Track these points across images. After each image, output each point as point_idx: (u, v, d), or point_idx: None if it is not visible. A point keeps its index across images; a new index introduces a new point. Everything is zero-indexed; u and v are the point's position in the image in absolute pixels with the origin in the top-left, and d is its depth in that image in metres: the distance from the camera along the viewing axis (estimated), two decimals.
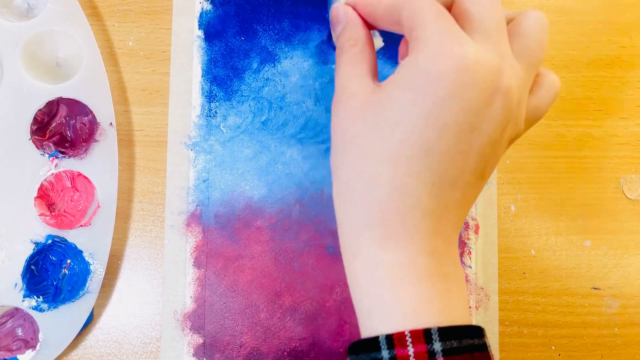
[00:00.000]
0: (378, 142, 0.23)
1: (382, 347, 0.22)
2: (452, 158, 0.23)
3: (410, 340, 0.22)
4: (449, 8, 0.25)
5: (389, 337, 0.22)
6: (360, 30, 0.27)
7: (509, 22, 0.25)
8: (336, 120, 0.25)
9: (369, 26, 0.27)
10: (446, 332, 0.22)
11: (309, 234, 0.37)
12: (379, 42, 0.38)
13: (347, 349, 0.24)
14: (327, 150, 0.38)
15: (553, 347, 0.38)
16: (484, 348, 0.23)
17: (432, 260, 0.23)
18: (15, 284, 0.35)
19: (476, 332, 0.23)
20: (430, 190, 0.23)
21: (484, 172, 0.24)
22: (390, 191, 0.23)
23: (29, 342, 0.36)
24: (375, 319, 0.23)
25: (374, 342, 0.22)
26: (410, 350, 0.22)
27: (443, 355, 0.21)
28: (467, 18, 0.24)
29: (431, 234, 0.23)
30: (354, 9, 0.27)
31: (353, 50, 0.26)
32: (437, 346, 0.22)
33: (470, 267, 0.38)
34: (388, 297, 0.23)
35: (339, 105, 0.25)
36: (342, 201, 0.25)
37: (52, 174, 0.36)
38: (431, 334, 0.22)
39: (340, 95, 0.26)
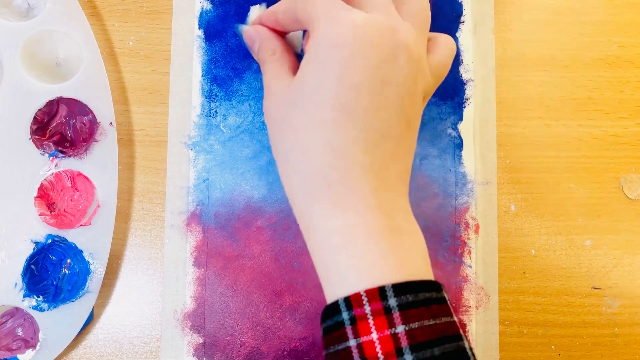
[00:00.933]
0: (303, 115, 0.25)
1: (342, 309, 0.23)
2: (373, 112, 0.24)
3: (366, 299, 0.23)
4: None
5: (347, 299, 0.23)
6: (274, 40, 0.29)
7: None
8: (266, 115, 0.27)
9: (280, 33, 0.30)
10: (401, 288, 0.23)
11: None
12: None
13: (320, 319, 0.25)
14: None
15: (553, 347, 0.38)
16: (442, 301, 0.23)
17: (381, 216, 0.24)
18: (15, 284, 0.35)
19: (433, 286, 0.24)
20: (363, 146, 0.24)
21: (409, 122, 0.25)
22: (326, 156, 0.24)
23: (29, 342, 0.36)
24: (335, 284, 0.24)
25: (335, 306, 0.24)
26: (367, 308, 0.22)
27: (399, 310, 0.22)
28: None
29: (374, 188, 0.24)
30: (261, 23, 0.30)
31: (273, 58, 0.28)
32: (393, 302, 0.22)
33: (470, 266, 0.38)
34: (343, 260, 0.24)
35: (268, 104, 0.27)
36: (287, 180, 0.26)
37: (52, 173, 0.36)
38: (385, 291, 0.22)
39: (267, 94, 0.27)
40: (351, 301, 0.23)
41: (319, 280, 0.37)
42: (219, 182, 0.38)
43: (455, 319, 0.24)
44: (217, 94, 0.38)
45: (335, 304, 0.24)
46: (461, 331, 0.24)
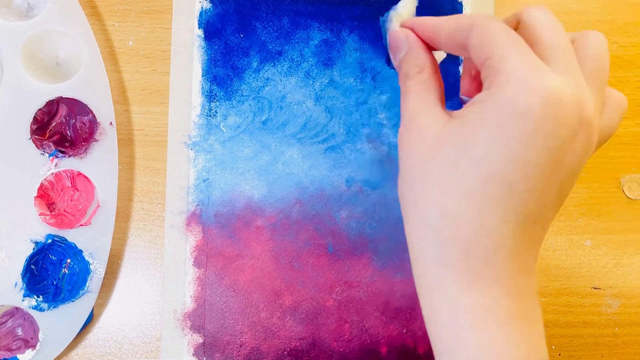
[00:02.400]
0: (459, 179, 0.22)
1: None
2: (536, 196, 0.22)
3: None
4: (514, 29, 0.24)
5: None
6: (424, 56, 0.26)
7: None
8: (407, 152, 0.24)
9: (430, 48, 0.26)
10: None
11: (309, 233, 0.37)
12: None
13: None
14: (327, 150, 0.38)
15: (553, 347, 0.38)
16: None
17: (515, 301, 0.23)
18: (15, 284, 0.35)
19: None
20: (515, 230, 0.22)
21: (561, 203, 0.23)
22: (474, 232, 0.22)
23: (29, 342, 0.36)
24: None
25: None
26: None
27: None
28: (540, 46, 0.23)
29: (515, 273, 0.23)
30: (414, 31, 0.26)
31: (419, 78, 0.25)
32: None
33: None
34: (471, 340, 0.22)
35: (409, 136, 0.24)
36: (418, 238, 0.24)
37: (52, 173, 0.36)
38: None
39: (409, 125, 0.24)
40: None
41: (318, 280, 0.38)
42: (219, 182, 0.37)
43: None
44: (217, 93, 0.38)
45: None
46: None
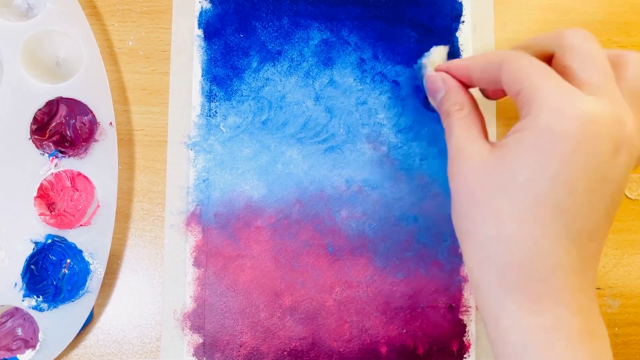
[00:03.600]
0: (508, 203, 0.23)
1: None
2: (586, 212, 0.23)
3: None
4: (548, 62, 0.25)
5: None
6: (462, 94, 0.27)
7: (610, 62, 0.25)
8: (457, 183, 0.25)
9: (466, 86, 0.28)
10: None
11: (309, 233, 0.37)
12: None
13: None
14: (327, 150, 0.38)
15: None
16: None
17: (579, 320, 0.23)
18: (15, 284, 0.35)
19: None
20: (569, 248, 0.23)
21: (613, 216, 0.24)
22: (530, 254, 0.23)
23: (29, 342, 0.36)
24: None
25: None
26: None
27: None
28: (573, 75, 0.24)
29: (576, 291, 0.23)
30: (449, 72, 0.28)
31: (461, 114, 0.27)
32: None
33: None
34: None
35: (458, 168, 0.25)
36: (477, 264, 0.25)
37: (52, 173, 0.36)
38: None
39: (457, 157, 0.26)
40: None
41: (318, 280, 0.37)
42: (219, 182, 0.37)
43: None
44: (217, 93, 0.38)
45: None
46: None
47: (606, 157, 0.22)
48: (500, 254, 0.23)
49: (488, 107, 0.39)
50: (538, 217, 0.22)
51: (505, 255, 0.23)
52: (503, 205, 0.23)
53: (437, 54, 0.30)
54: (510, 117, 0.40)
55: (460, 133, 0.26)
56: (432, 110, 0.30)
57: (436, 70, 0.29)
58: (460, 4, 0.40)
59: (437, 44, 0.39)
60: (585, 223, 0.23)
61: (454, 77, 0.28)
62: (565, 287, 0.23)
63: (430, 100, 0.29)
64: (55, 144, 0.37)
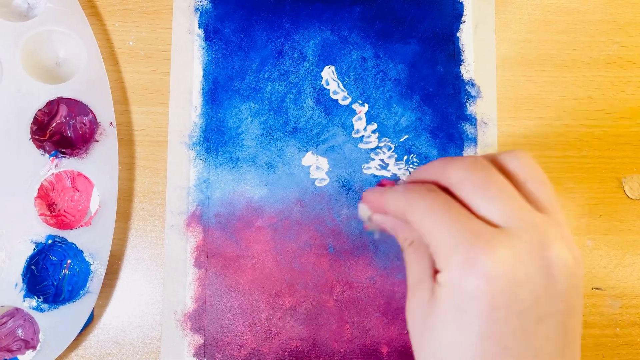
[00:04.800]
0: None
1: None
2: (529, 357, 0.21)
3: None
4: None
5: None
6: (406, 228, 0.26)
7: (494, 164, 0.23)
8: (409, 324, 0.24)
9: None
10: None
11: (310, 233, 0.37)
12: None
13: None
14: (327, 150, 0.38)
15: None
16: None
17: None
18: (16, 284, 0.35)
19: None
20: None
21: (575, 342, 0.22)
22: None
23: (30, 343, 0.36)
24: None
25: None
26: None
27: None
28: (474, 209, 0.22)
29: None
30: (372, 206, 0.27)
31: (411, 249, 0.25)
32: None
33: None
34: None
35: (408, 309, 0.24)
36: None
37: (53, 173, 0.36)
38: None
39: (409, 297, 0.25)
40: None
41: (319, 281, 0.37)
42: (219, 183, 0.37)
43: None
44: (217, 93, 0.38)
45: None
46: None
47: (535, 296, 0.20)
48: None
49: (491, 109, 0.39)
50: None
51: None
52: None
53: (363, 208, 0.30)
54: (510, 117, 0.40)
55: (412, 271, 0.25)
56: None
57: (362, 199, 0.28)
58: (462, 3, 0.40)
59: (438, 43, 0.39)
60: None
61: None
62: None
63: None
64: (56, 144, 0.37)
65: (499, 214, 0.21)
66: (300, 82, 0.38)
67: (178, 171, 0.37)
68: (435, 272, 0.23)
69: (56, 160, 0.36)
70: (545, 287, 0.20)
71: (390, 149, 0.38)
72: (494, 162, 0.23)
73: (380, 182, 0.29)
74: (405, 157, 0.38)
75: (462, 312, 0.21)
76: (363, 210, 0.29)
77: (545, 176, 0.23)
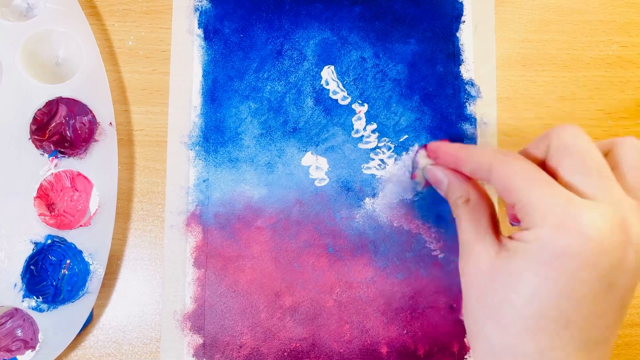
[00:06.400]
0: (514, 314, 0.23)
1: None
2: (594, 322, 0.22)
3: None
4: (540, 163, 0.24)
5: None
6: (466, 185, 0.27)
7: (604, 153, 0.24)
8: (465, 282, 0.25)
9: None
10: None
11: (309, 233, 0.37)
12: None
13: None
14: (327, 150, 0.38)
15: None
16: None
17: None
18: (15, 284, 0.35)
19: None
20: (577, 356, 0.22)
21: (624, 316, 0.24)
22: None
23: (29, 343, 0.36)
24: None
25: None
26: None
27: None
28: (567, 178, 0.23)
29: None
30: (438, 158, 0.28)
31: (468, 207, 0.26)
32: None
33: None
34: None
35: (467, 265, 0.25)
36: None
37: (52, 173, 0.36)
38: None
39: (466, 254, 0.25)
40: None
41: (319, 281, 0.37)
42: (219, 182, 0.37)
43: None
44: (217, 93, 0.38)
45: None
46: None
47: (612, 266, 0.22)
48: None
49: (490, 109, 0.39)
50: (544, 329, 0.22)
51: None
52: (508, 316, 0.23)
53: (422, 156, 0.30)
54: (510, 117, 0.40)
55: (468, 227, 0.26)
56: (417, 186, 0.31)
57: (427, 151, 0.29)
58: (461, 3, 0.40)
59: (438, 43, 0.39)
60: (592, 332, 0.22)
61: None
62: None
63: (438, 190, 0.28)
64: (55, 144, 0.37)
65: (591, 187, 0.22)
66: (300, 82, 0.38)
67: (177, 171, 0.37)
68: (495, 230, 0.25)
69: (55, 160, 0.36)
70: (620, 261, 0.22)
71: (390, 148, 0.38)
72: (604, 144, 0.25)
73: (426, 145, 0.29)
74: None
75: (546, 268, 0.22)
76: (422, 159, 0.29)
77: None
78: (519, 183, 0.23)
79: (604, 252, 0.21)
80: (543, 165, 0.25)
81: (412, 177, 0.30)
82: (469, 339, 0.25)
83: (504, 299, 0.23)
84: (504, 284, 0.23)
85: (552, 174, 0.24)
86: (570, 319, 0.22)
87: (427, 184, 0.29)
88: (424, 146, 0.30)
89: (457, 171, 0.28)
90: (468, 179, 0.28)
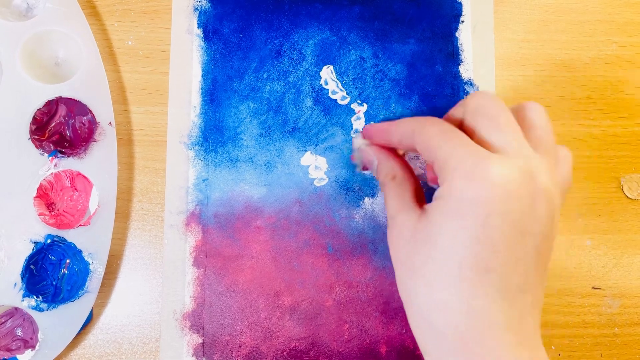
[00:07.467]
0: (436, 270, 0.24)
1: None
2: (512, 268, 0.23)
3: None
4: (459, 125, 0.26)
5: None
6: (393, 163, 0.28)
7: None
8: (393, 252, 0.27)
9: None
10: None
11: (309, 233, 0.37)
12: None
13: None
14: (327, 150, 0.38)
15: (553, 347, 0.38)
16: None
17: None
18: (15, 284, 0.35)
19: None
20: (502, 305, 0.23)
21: (545, 265, 0.25)
22: (463, 316, 0.23)
23: (28, 342, 0.36)
24: None
25: None
26: None
27: None
28: (480, 136, 0.25)
29: (514, 346, 0.23)
30: (372, 137, 0.29)
31: (393, 183, 0.28)
32: None
33: None
34: None
35: (392, 237, 0.27)
36: (420, 331, 0.25)
37: (52, 173, 0.36)
38: None
39: (391, 226, 0.27)
40: None
41: (318, 280, 0.37)
42: (219, 182, 0.37)
43: None
44: (217, 93, 0.38)
45: None
46: None
47: (523, 212, 0.23)
48: (436, 320, 0.24)
49: None
50: (465, 279, 0.23)
51: (441, 321, 0.24)
52: (432, 273, 0.24)
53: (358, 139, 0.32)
54: None
55: (393, 202, 0.27)
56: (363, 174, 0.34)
57: (362, 132, 0.30)
58: (460, 3, 0.40)
59: (437, 43, 0.39)
60: (513, 278, 0.23)
61: (382, 146, 0.29)
62: (502, 345, 0.23)
63: (371, 171, 0.30)
64: (55, 144, 0.37)
65: (502, 142, 0.24)
66: (299, 82, 0.38)
67: (177, 171, 0.38)
68: (419, 202, 0.27)
69: (55, 160, 0.36)
70: (529, 208, 0.23)
71: None
72: (513, 109, 0.26)
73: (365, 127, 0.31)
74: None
75: (459, 218, 0.23)
76: (357, 141, 0.31)
77: (551, 128, 0.26)
78: (436, 142, 0.24)
79: (511, 198, 0.23)
80: (461, 127, 0.26)
81: (352, 158, 0.31)
82: (405, 309, 0.26)
83: (427, 258, 0.24)
84: (425, 244, 0.24)
85: (469, 133, 0.25)
86: (488, 265, 0.23)
87: (365, 168, 0.31)
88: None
89: (386, 150, 0.29)
90: (396, 157, 0.29)
